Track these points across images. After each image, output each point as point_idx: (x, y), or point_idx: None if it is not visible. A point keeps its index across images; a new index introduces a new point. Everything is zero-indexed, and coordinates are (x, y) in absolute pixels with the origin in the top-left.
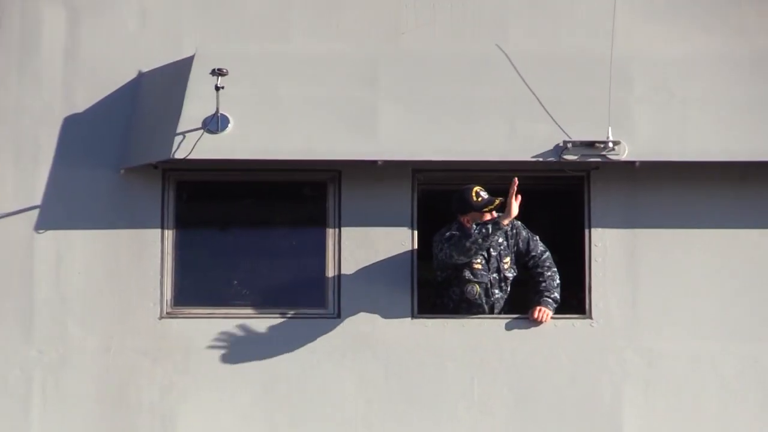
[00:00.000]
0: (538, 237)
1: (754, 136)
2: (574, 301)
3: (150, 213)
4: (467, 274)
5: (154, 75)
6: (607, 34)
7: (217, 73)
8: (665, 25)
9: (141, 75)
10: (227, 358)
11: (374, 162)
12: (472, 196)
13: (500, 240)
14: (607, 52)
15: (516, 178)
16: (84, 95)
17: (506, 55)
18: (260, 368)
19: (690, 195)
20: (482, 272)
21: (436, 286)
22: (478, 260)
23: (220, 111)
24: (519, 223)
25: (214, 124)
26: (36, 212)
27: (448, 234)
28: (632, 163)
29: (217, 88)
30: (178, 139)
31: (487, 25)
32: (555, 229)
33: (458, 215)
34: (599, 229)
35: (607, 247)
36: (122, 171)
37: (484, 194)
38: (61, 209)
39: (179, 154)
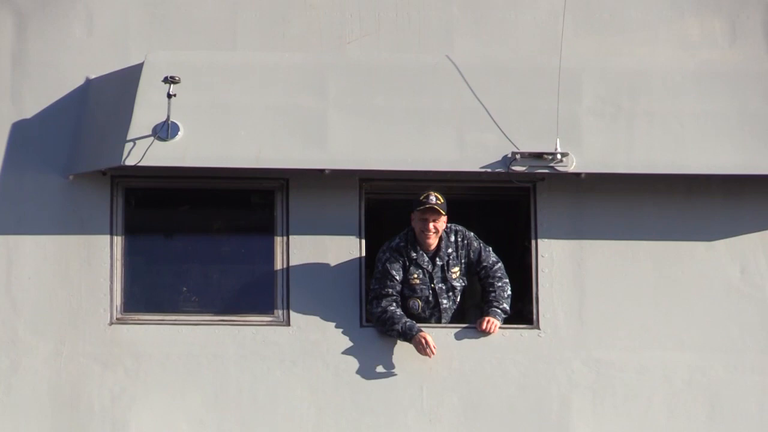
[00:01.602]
0: (491, 248)
1: (700, 150)
2: (512, 311)
3: (99, 219)
4: (406, 291)
5: (103, 81)
6: (555, 45)
7: (170, 80)
8: (612, 37)
9: (89, 81)
10: (177, 365)
11: (321, 171)
12: (421, 195)
13: (449, 250)
14: (555, 63)
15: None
16: (32, 101)
17: (454, 65)
18: (210, 375)
19: (636, 207)
20: (421, 286)
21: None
22: (416, 275)
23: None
24: (471, 234)
25: (164, 131)
26: None
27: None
28: (578, 174)
29: (169, 96)
30: (128, 146)
31: (432, 36)
32: (499, 240)
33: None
34: (546, 240)
35: (554, 258)
36: (71, 177)
37: (432, 198)
38: (10, 214)
39: (130, 161)
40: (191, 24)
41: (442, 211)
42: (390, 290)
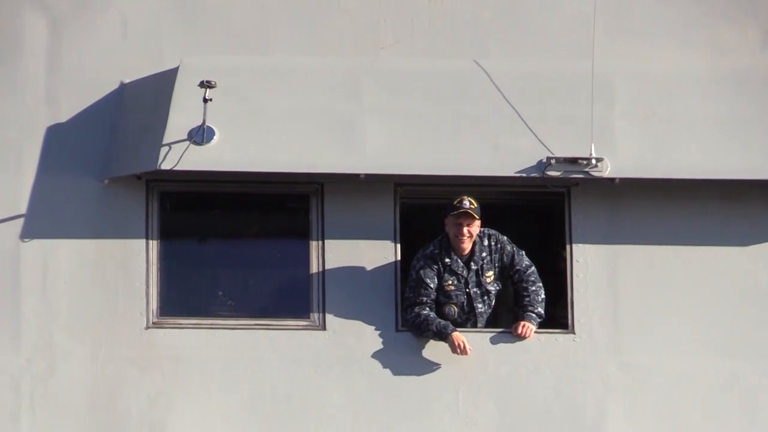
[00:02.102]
0: (524, 252)
1: (734, 155)
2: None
3: (134, 223)
4: (441, 297)
5: (137, 86)
6: (587, 50)
7: (206, 85)
8: (646, 42)
9: (123, 85)
10: (214, 369)
11: (356, 175)
12: (455, 199)
13: (483, 254)
14: (588, 68)
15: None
16: (67, 105)
17: (487, 71)
18: (246, 379)
19: (670, 211)
20: (456, 292)
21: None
22: (450, 281)
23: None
24: (504, 238)
25: (200, 135)
26: (21, 222)
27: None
28: (612, 179)
29: (205, 100)
30: (163, 150)
31: (465, 41)
32: (532, 245)
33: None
34: (580, 245)
35: (589, 263)
36: (106, 181)
37: (465, 203)
38: (46, 219)
39: (165, 165)
40: (225, 28)
41: (475, 215)
42: (424, 298)
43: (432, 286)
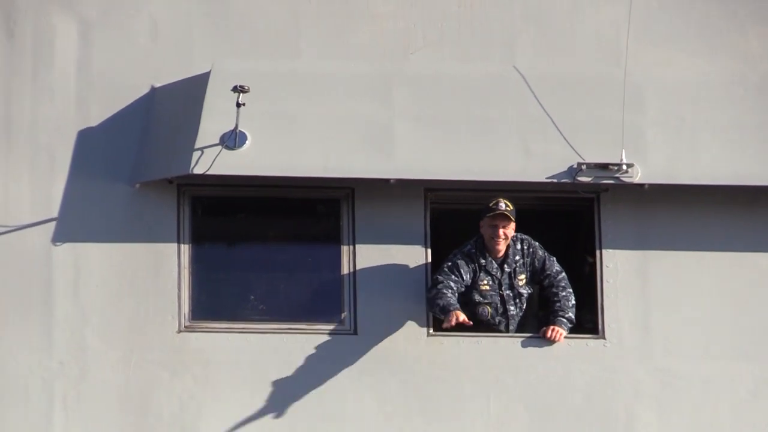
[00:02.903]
0: (555, 258)
1: (763, 161)
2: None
3: (166, 227)
4: (476, 296)
5: (168, 90)
6: (617, 56)
7: (239, 90)
8: (674, 49)
9: (154, 90)
10: (246, 373)
11: (387, 180)
12: (491, 201)
13: (516, 258)
14: (618, 74)
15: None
16: (97, 109)
17: (517, 76)
18: (278, 383)
19: (700, 217)
20: (491, 293)
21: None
22: (486, 281)
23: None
24: (536, 243)
25: (232, 140)
26: (53, 225)
27: (433, 285)
28: (641, 185)
29: (239, 105)
30: (196, 154)
31: (495, 46)
32: (559, 251)
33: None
34: (610, 250)
35: (618, 268)
36: (137, 185)
37: (501, 205)
38: (77, 223)
39: (198, 170)
40: (255, 33)
41: (511, 217)
42: (450, 282)
43: (465, 276)
